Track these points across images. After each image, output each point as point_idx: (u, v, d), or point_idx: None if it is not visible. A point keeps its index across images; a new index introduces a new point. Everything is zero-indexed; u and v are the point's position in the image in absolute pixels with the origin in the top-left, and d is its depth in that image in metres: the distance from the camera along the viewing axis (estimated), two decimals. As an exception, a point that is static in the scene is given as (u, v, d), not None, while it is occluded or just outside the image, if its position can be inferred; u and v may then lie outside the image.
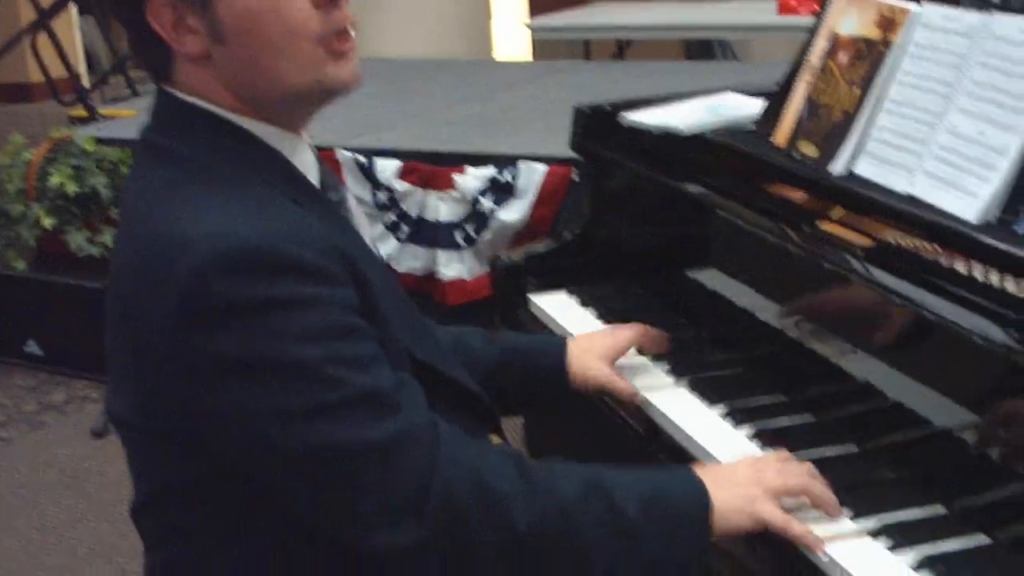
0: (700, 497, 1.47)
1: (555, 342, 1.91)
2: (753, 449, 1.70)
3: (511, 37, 8.11)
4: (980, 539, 1.45)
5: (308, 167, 1.52)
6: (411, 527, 1.37)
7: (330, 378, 1.35)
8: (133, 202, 1.46)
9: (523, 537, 1.41)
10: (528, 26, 6.86)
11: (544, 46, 7.34)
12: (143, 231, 1.40)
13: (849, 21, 1.93)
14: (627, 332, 1.93)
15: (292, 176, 1.48)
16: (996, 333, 1.43)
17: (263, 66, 1.42)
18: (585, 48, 7.08)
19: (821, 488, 1.52)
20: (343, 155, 3.76)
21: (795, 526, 1.47)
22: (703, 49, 7.55)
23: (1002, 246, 1.52)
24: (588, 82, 4.90)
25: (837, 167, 1.84)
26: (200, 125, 1.45)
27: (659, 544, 1.45)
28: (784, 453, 1.61)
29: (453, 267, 3.62)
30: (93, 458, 3.74)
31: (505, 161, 3.60)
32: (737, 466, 1.57)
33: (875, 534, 1.48)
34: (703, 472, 1.53)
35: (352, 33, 1.46)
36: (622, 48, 7.27)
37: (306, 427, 1.34)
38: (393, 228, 3.73)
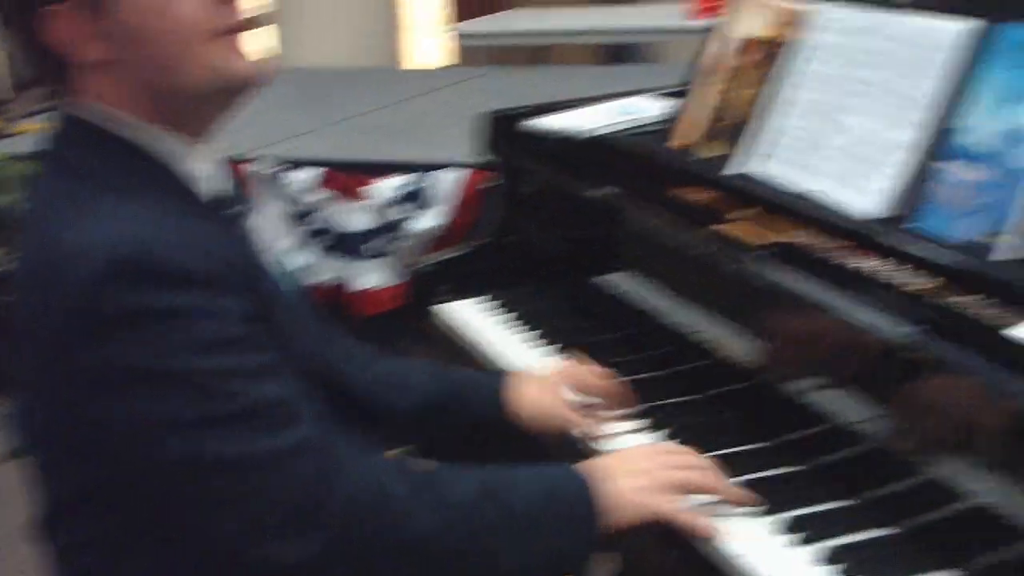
0: (589, 493, 1.48)
1: (496, 377, 1.87)
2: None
3: (431, 44, 8.10)
4: (887, 530, 1.47)
5: (208, 178, 1.51)
6: (309, 539, 1.37)
7: (225, 389, 1.34)
8: (35, 214, 1.45)
9: (422, 545, 1.41)
10: (449, 32, 6.86)
11: (464, 52, 7.33)
12: (40, 243, 1.40)
13: (749, 23, 1.95)
14: (581, 376, 1.85)
15: (187, 189, 1.47)
16: (894, 329, 1.45)
17: (160, 67, 1.42)
18: (505, 53, 7.09)
19: (717, 480, 1.53)
20: (257, 166, 3.74)
21: (683, 515, 1.49)
22: (623, 53, 7.58)
23: (900, 242, 1.54)
24: (507, 87, 4.90)
25: (740, 167, 1.86)
26: (96, 139, 1.44)
27: (551, 542, 1.47)
28: (683, 448, 1.63)
29: (369, 277, 3.61)
30: (10, 480, 3.69)
31: (421, 168, 3.59)
32: (631, 458, 1.57)
33: (784, 528, 1.49)
34: (596, 465, 1.54)
35: (247, 28, 1.47)
36: (542, 53, 7.28)
37: (200, 439, 1.34)
38: (309, 239, 3.70)
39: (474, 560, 1.44)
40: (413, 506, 1.41)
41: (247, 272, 1.43)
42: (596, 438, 1.76)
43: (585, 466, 1.54)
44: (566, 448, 1.78)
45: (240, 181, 1.59)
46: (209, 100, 1.47)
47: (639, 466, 1.54)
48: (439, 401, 1.80)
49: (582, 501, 1.48)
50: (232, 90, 1.47)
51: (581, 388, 1.83)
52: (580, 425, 1.78)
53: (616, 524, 1.49)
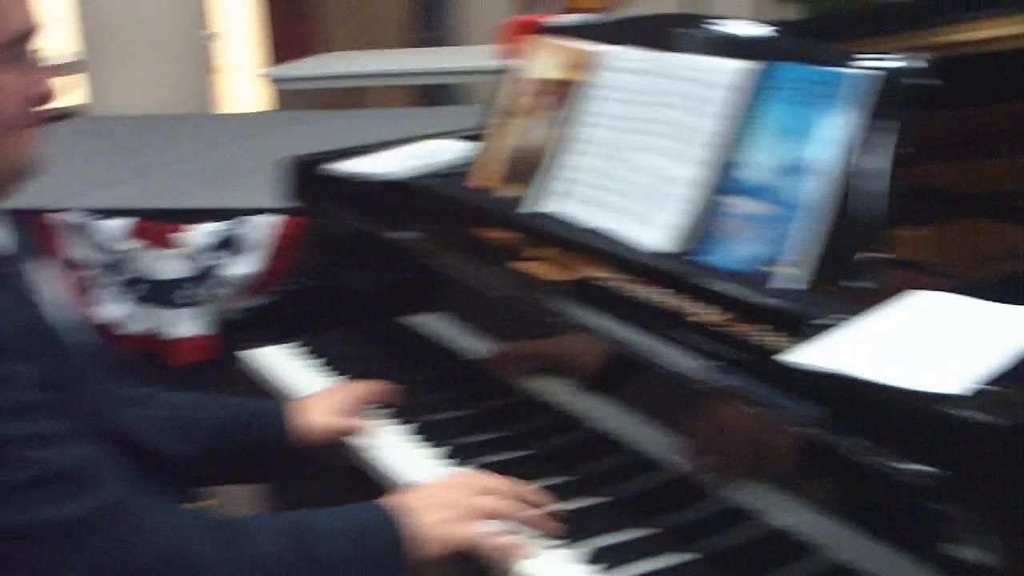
0: (395, 531, 1.50)
1: (274, 404, 1.93)
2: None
3: (248, 88, 8.05)
4: (688, 556, 1.51)
5: None
6: None
7: (21, 457, 1.32)
8: None
9: None
10: (263, 76, 6.82)
11: (281, 96, 7.30)
12: None
13: (544, 64, 2.00)
14: (356, 387, 1.95)
15: None
16: (684, 362, 1.49)
17: None
18: (322, 97, 7.08)
19: (516, 505, 1.56)
20: (65, 217, 3.66)
21: (486, 541, 1.52)
22: (439, 94, 7.64)
23: (687, 275, 1.59)
24: (322, 131, 4.89)
25: (537, 206, 1.90)
26: None
27: None
28: (482, 474, 1.65)
29: (183, 325, 3.56)
30: None
31: (235, 214, 3.57)
32: (434, 491, 1.59)
33: (587, 558, 1.52)
34: (400, 501, 1.55)
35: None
36: (359, 96, 7.30)
37: None
38: (121, 289, 3.64)
39: None
40: (219, 563, 1.40)
41: (37, 333, 1.42)
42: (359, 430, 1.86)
43: (390, 503, 1.55)
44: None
45: (44, 233, 1.60)
46: (3, 181, 1.49)
47: (441, 498, 1.56)
48: (225, 434, 1.81)
49: (388, 540, 1.50)
50: (24, 177, 1.50)
51: (359, 400, 1.91)
52: (344, 425, 1.86)
53: (423, 558, 1.50)
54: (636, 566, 1.49)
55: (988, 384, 1.21)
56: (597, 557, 1.52)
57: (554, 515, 1.58)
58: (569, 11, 5.79)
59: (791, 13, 4.17)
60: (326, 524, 1.50)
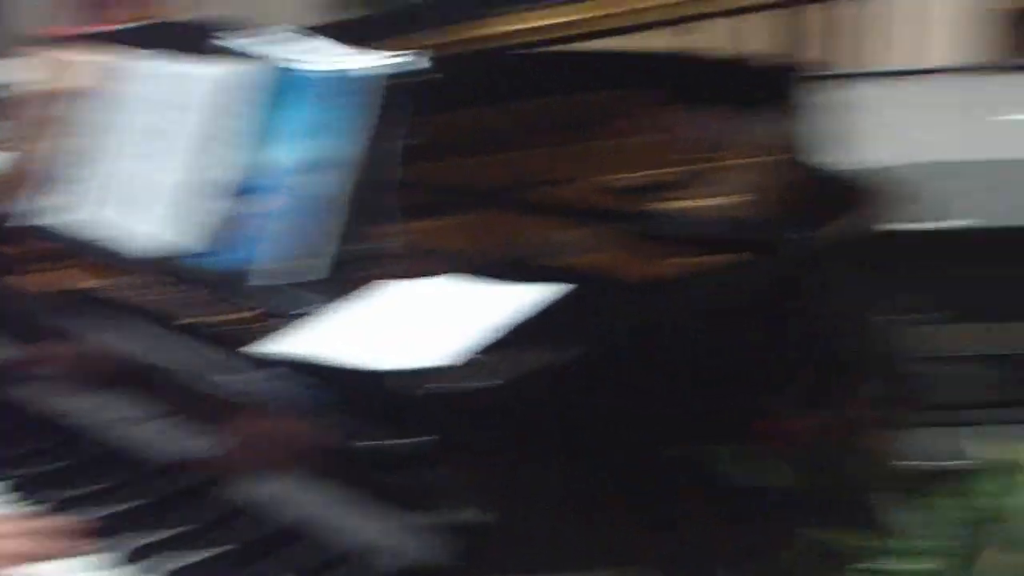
0: None
1: None
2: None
3: None
4: (217, 550, 1.51)
5: None
6: None
7: None
8: None
9: None
10: None
11: None
12: None
13: (49, 74, 2.01)
14: None
15: None
16: (216, 370, 1.50)
17: None
18: None
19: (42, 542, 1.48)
20: None
21: None
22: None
23: (198, 277, 1.62)
24: None
25: (43, 218, 1.88)
26: None
27: None
28: None
29: None
30: None
31: None
32: None
33: (124, 559, 1.52)
34: None
35: None
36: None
37: None
38: None
39: None
40: None
41: None
42: None
43: None
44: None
45: None
46: None
47: None
48: None
49: None
50: None
51: None
52: None
53: None
54: (167, 560, 1.50)
55: (474, 354, 1.29)
56: (133, 556, 1.51)
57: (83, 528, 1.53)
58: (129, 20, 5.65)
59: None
60: None
